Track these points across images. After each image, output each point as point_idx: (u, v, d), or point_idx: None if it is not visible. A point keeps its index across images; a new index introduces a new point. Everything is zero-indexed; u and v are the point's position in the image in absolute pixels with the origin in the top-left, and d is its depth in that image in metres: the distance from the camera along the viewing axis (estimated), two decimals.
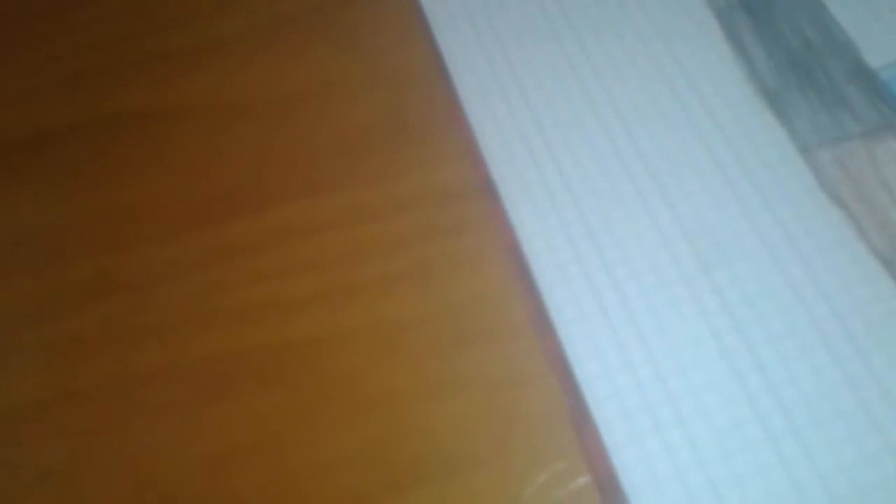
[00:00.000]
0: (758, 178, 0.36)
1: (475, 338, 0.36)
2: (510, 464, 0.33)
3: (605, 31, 0.41)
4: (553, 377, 0.34)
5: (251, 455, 0.36)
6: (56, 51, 0.50)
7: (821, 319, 0.32)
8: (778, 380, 0.31)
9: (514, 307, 0.37)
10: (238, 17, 0.49)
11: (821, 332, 0.32)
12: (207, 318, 0.39)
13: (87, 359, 0.39)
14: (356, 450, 0.35)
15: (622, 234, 0.36)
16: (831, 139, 0.36)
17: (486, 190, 0.39)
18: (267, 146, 0.44)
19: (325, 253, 0.40)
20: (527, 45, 0.42)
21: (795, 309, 0.33)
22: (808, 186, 0.35)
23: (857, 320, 0.32)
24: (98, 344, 0.39)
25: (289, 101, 0.45)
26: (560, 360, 0.34)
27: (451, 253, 0.39)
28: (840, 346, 0.32)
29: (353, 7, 0.47)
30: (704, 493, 0.30)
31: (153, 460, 0.36)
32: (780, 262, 0.34)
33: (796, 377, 0.31)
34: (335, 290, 0.39)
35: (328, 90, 0.45)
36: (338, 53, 0.46)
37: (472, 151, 0.40)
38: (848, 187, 0.35)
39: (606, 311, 0.34)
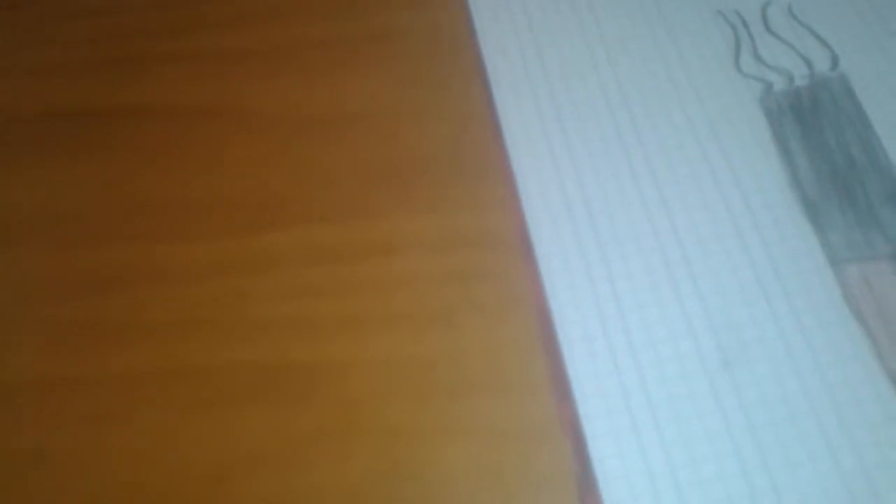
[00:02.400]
0: (788, 283, 0.37)
1: (492, 387, 0.37)
2: None
3: (656, 109, 0.43)
4: (564, 440, 0.35)
5: (252, 469, 0.36)
6: (100, 32, 0.51)
7: (830, 430, 0.34)
8: (784, 484, 0.32)
9: (535, 365, 0.37)
10: (297, 26, 0.50)
11: (828, 442, 0.33)
12: (226, 326, 0.39)
13: (95, 347, 0.39)
14: (357, 481, 0.35)
15: (652, 318, 0.37)
16: (861, 257, 0.37)
17: (523, 242, 0.40)
18: (311, 162, 0.44)
19: (354, 281, 0.40)
20: (579, 104, 0.43)
21: (807, 417, 0.34)
22: (834, 299, 0.36)
23: (865, 436, 0.33)
24: (107, 333, 0.39)
25: (340, 122, 0.46)
26: (573, 427, 0.35)
27: (479, 299, 0.39)
28: (845, 459, 0.33)
29: (417, 38, 0.48)
30: None
31: (153, 457, 0.36)
32: (797, 368, 0.35)
33: (800, 483, 0.32)
34: (359, 320, 0.39)
35: (381, 117, 0.46)
36: (396, 81, 0.47)
37: (513, 200, 0.41)
38: (870, 305, 0.36)
39: (627, 392, 0.35)
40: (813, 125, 0.41)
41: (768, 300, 0.37)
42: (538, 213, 0.40)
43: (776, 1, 0.46)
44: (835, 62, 0.43)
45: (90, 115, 0.47)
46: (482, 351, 0.38)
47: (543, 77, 0.45)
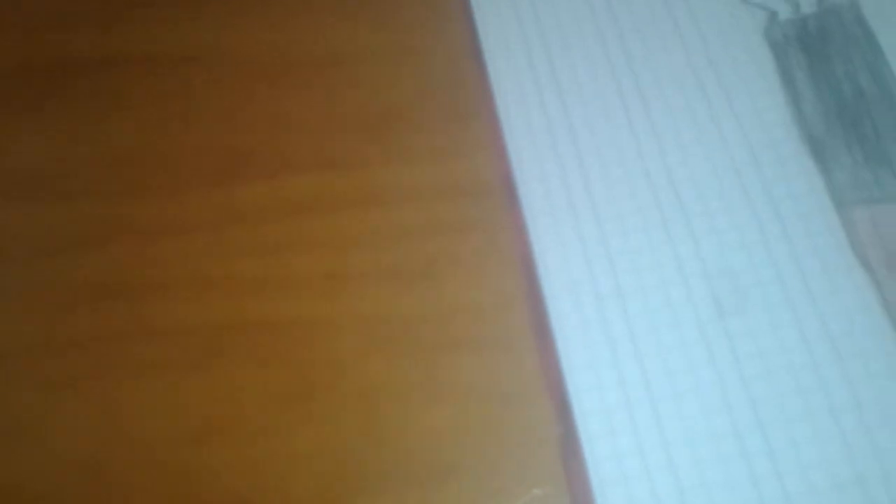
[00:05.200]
0: (789, 226, 0.34)
1: (474, 344, 0.35)
2: (490, 480, 0.33)
3: (655, 47, 0.40)
4: (547, 399, 0.33)
5: (228, 432, 0.35)
6: None
7: (832, 385, 0.31)
8: (779, 442, 0.30)
9: (517, 318, 0.36)
10: None
11: (829, 398, 0.31)
12: (203, 283, 0.38)
13: (73, 309, 0.38)
14: (335, 443, 0.34)
15: (642, 262, 0.34)
16: (869, 198, 0.35)
17: (506, 189, 0.38)
18: (287, 110, 0.42)
19: (332, 234, 0.39)
20: (571, 46, 0.40)
21: (806, 370, 0.32)
22: (839, 244, 0.34)
23: (868, 392, 0.31)
24: (85, 294, 0.38)
25: (317, 65, 0.43)
26: (557, 384, 0.33)
27: (460, 251, 0.37)
28: (845, 417, 0.31)
29: None
30: None
31: (128, 421, 0.35)
32: (798, 318, 0.33)
33: (797, 442, 0.31)
34: (336, 275, 0.38)
35: (359, 58, 0.43)
36: (376, 20, 0.44)
37: (498, 145, 0.39)
38: (878, 251, 0.34)
39: (614, 343, 0.33)
40: (820, 55, 0.38)
41: (767, 245, 0.34)
42: (524, 156, 0.38)
43: None
44: None
45: (65, 66, 0.45)
46: (463, 306, 0.36)
47: (531, 8, 0.42)
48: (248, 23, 0.45)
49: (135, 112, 0.43)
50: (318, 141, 0.41)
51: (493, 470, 0.33)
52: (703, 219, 0.35)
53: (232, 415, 0.35)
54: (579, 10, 0.41)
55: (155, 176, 0.41)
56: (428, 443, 0.34)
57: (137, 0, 0.47)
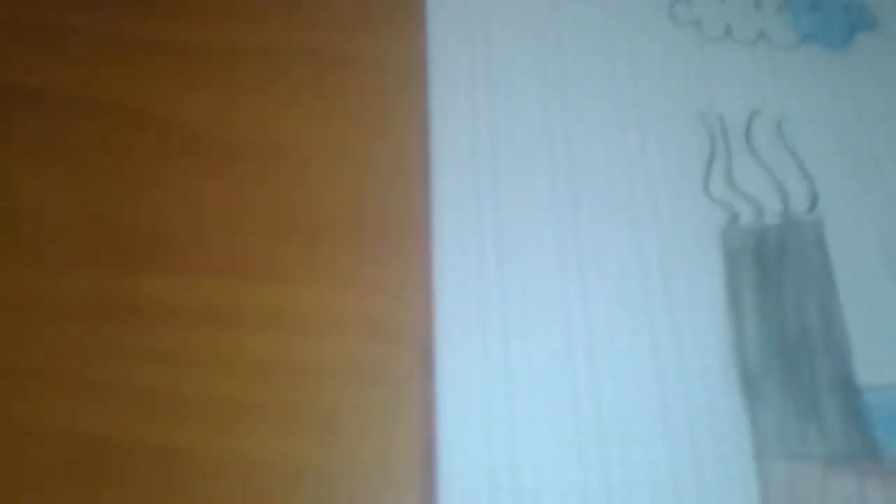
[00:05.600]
0: (704, 469, 0.33)
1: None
2: None
3: (606, 221, 0.38)
4: None
5: None
6: None
7: None
8: None
9: (410, 481, 0.33)
10: (232, 26, 0.44)
11: None
12: (70, 383, 0.35)
13: None
14: None
15: (544, 459, 0.33)
16: (791, 453, 0.33)
17: (425, 337, 0.36)
18: (212, 198, 0.39)
19: (235, 354, 0.36)
20: (522, 190, 0.38)
21: None
22: (749, 498, 0.32)
23: None
24: None
25: (258, 151, 0.41)
26: None
27: (366, 397, 0.35)
28: None
29: (364, 66, 0.43)
30: None
31: None
32: None
33: None
34: (227, 405, 0.35)
35: (304, 152, 0.40)
36: (329, 113, 0.41)
37: (425, 284, 0.36)
38: None
39: None
40: (773, 278, 0.36)
41: (675, 485, 0.33)
42: (449, 305, 0.36)
43: (767, 111, 0.40)
44: (814, 202, 0.38)
45: None
46: (356, 460, 0.34)
47: (490, 147, 0.39)
48: (188, 86, 0.42)
49: (41, 161, 0.40)
50: (242, 240, 0.38)
51: None
52: (618, 443, 0.33)
53: None
54: (539, 160, 0.39)
55: (45, 243, 0.38)
56: None
57: (71, 29, 0.43)
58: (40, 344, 0.36)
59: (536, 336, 0.35)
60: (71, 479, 0.34)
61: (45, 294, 0.37)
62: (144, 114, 0.41)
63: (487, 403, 0.34)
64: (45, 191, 0.39)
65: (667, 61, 0.41)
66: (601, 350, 0.35)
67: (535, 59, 0.41)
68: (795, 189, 0.38)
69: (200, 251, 0.38)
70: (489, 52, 0.42)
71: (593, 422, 0.34)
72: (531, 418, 0.34)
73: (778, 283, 0.36)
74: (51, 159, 0.40)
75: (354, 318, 0.37)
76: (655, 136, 0.40)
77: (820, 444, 0.33)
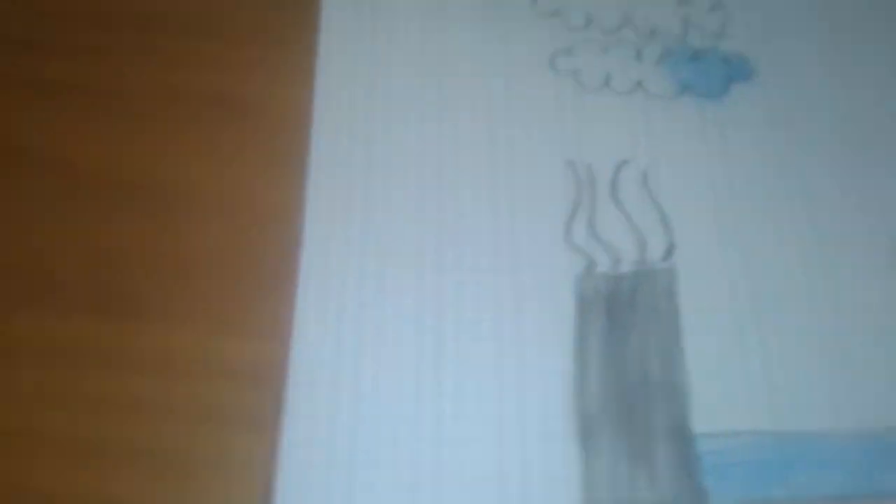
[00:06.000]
0: None
1: None
2: None
3: (466, 272, 0.39)
4: None
5: None
6: None
7: None
8: None
9: None
10: (134, 66, 0.45)
11: None
12: None
13: None
14: None
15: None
16: (618, 498, 0.34)
17: (280, 384, 0.37)
18: (91, 234, 0.40)
19: (90, 396, 0.37)
20: (390, 248, 0.39)
21: None
22: None
23: None
24: None
25: (141, 190, 0.42)
26: None
27: (216, 443, 0.36)
28: None
29: (255, 110, 0.44)
30: None
31: None
32: None
33: None
34: (87, 446, 0.36)
35: (186, 192, 0.42)
36: (217, 153, 0.43)
37: (285, 334, 0.38)
38: None
39: None
40: (620, 324, 0.37)
41: None
42: (305, 350, 0.37)
43: (635, 160, 0.41)
44: (669, 251, 0.39)
45: None
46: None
47: (363, 194, 0.41)
48: (83, 124, 0.43)
49: None
50: (115, 280, 0.40)
51: None
52: (452, 475, 0.34)
53: None
54: (408, 208, 0.40)
55: None
56: None
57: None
58: None
59: (387, 378, 0.36)
60: None
61: None
62: (35, 153, 0.43)
63: (330, 452, 0.35)
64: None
65: (543, 109, 0.43)
66: (448, 392, 0.36)
67: (416, 104, 0.43)
68: (654, 238, 0.39)
69: (75, 290, 0.39)
70: (373, 100, 0.43)
71: (430, 465, 0.35)
72: (372, 462, 0.34)
73: (625, 330, 0.37)
74: None
75: (216, 360, 0.38)
76: (524, 182, 0.41)
77: (648, 490, 0.34)
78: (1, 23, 0.46)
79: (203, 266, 0.40)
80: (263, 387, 0.37)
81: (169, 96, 0.44)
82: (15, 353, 0.38)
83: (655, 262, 0.39)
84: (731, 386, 0.36)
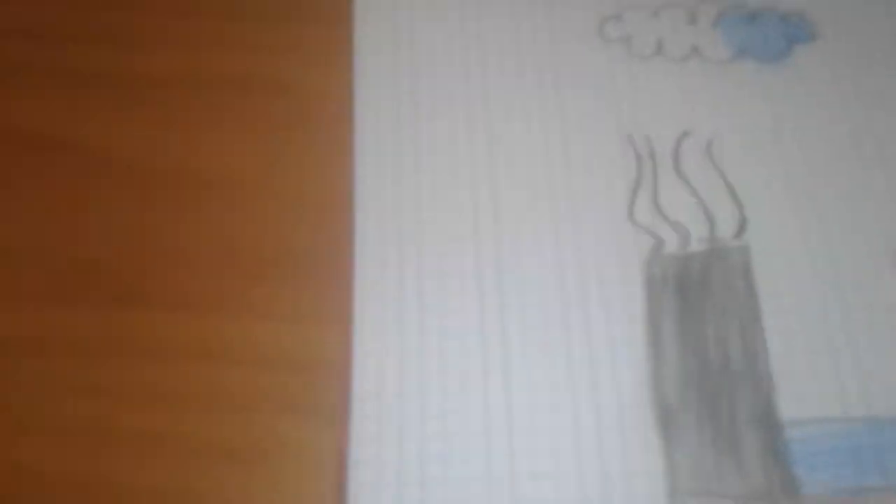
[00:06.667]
0: None
1: None
2: None
3: (526, 256, 0.37)
4: None
5: None
6: None
7: None
8: None
9: None
10: (164, 54, 0.43)
11: None
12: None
13: None
14: None
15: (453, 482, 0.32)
16: (705, 490, 0.32)
17: (342, 382, 0.35)
18: (145, 228, 0.38)
19: (150, 386, 0.35)
20: (444, 227, 0.37)
21: None
22: None
23: None
24: None
25: (188, 182, 0.40)
26: None
27: (278, 436, 0.34)
28: None
29: (295, 96, 0.42)
30: None
31: None
32: None
33: None
34: (145, 437, 0.35)
35: (237, 183, 0.40)
36: (260, 142, 0.41)
37: (346, 315, 0.36)
38: None
39: None
40: (695, 306, 0.35)
41: None
42: (368, 335, 0.35)
43: (696, 131, 0.39)
44: (742, 227, 0.37)
45: None
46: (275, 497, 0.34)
47: (414, 180, 0.38)
48: (120, 116, 0.41)
49: None
50: (161, 270, 0.38)
51: None
52: (525, 468, 0.32)
53: None
54: (460, 192, 0.38)
55: None
56: None
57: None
58: None
59: (452, 363, 0.34)
60: None
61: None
62: (77, 144, 0.41)
63: (399, 446, 0.33)
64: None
65: (595, 80, 0.40)
66: (516, 381, 0.34)
67: (460, 83, 0.41)
68: (723, 214, 0.37)
69: (121, 280, 0.37)
70: (415, 79, 0.41)
71: (504, 456, 0.33)
72: (443, 441, 0.33)
73: (700, 313, 0.35)
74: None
75: (274, 349, 0.36)
76: (581, 159, 0.39)
77: (736, 481, 0.32)
78: (29, 13, 0.44)
79: (257, 253, 0.38)
80: (329, 376, 0.35)
81: (202, 81, 0.42)
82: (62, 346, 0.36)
83: (727, 238, 0.37)
84: (817, 369, 0.34)
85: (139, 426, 0.35)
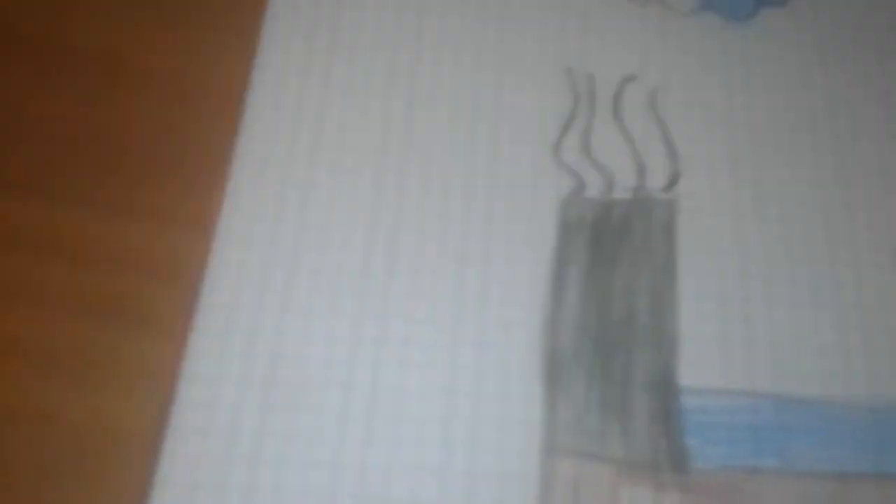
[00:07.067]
0: (479, 460, 0.28)
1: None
2: None
3: (433, 167, 0.33)
4: None
5: None
6: None
7: None
8: None
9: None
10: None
11: None
12: None
13: None
14: None
15: (300, 428, 0.28)
16: (584, 451, 0.29)
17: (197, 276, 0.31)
18: (34, 106, 0.35)
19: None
20: (343, 140, 0.34)
21: None
22: (528, 495, 0.28)
23: None
24: None
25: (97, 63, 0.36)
26: None
27: (119, 343, 0.31)
28: None
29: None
30: None
31: None
32: None
33: None
34: None
35: (141, 67, 0.36)
36: (170, 33, 0.37)
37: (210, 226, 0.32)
38: None
39: None
40: (608, 255, 0.32)
41: (442, 474, 0.28)
42: (228, 248, 0.32)
43: (644, 77, 0.36)
44: (673, 181, 0.34)
45: None
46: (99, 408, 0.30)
47: (320, 82, 0.35)
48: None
49: None
50: (43, 159, 0.34)
51: None
52: (388, 408, 0.29)
53: None
54: (373, 91, 0.35)
55: None
56: None
57: None
58: None
59: (322, 295, 0.31)
60: None
61: None
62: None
63: (243, 372, 0.29)
64: None
65: (543, 12, 0.37)
66: (392, 310, 0.31)
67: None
68: (656, 165, 0.34)
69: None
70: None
71: (364, 397, 0.29)
72: (291, 386, 0.29)
73: (611, 263, 0.32)
74: None
75: (132, 251, 0.33)
76: (513, 86, 0.35)
77: (620, 445, 0.29)
78: None
79: (133, 153, 0.34)
80: (177, 285, 0.31)
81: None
82: None
83: (655, 191, 0.33)
84: (728, 338, 0.31)
85: None
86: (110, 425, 0.29)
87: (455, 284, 0.31)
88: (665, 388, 0.30)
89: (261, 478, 0.28)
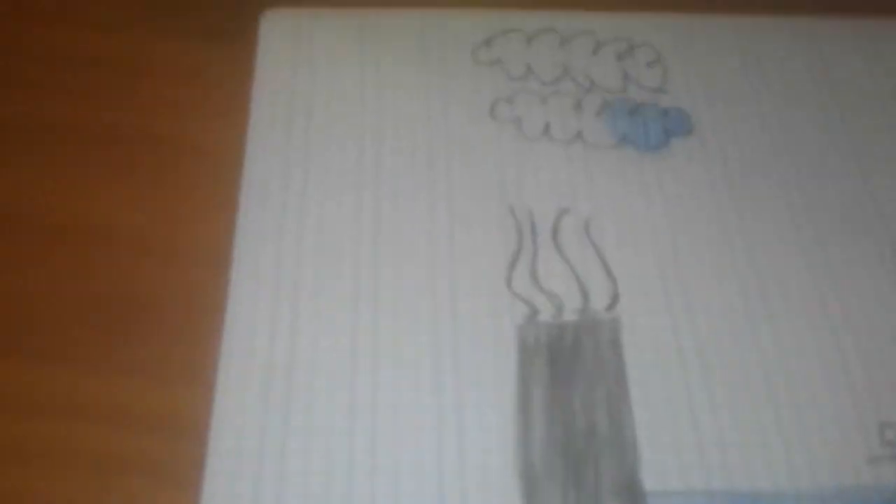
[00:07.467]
0: None
1: None
2: None
3: (406, 311, 0.37)
4: None
5: None
6: None
7: None
8: None
9: None
10: (51, 100, 0.42)
11: None
12: None
13: None
14: None
15: None
16: None
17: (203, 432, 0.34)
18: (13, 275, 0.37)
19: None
20: (321, 286, 0.37)
21: None
22: None
23: None
24: None
25: (71, 233, 0.39)
26: None
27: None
28: None
29: (185, 148, 0.42)
30: None
31: None
32: None
33: None
34: None
35: (122, 235, 0.39)
36: (143, 197, 0.40)
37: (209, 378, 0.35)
38: None
39: None
40: (565, 375, 0.36)
41: None
42: (229, 404, 0.34)
43: (576, 209, 0.40)
44: (613, 301, 0.38)
45: None
46: None
47: (296, 235, 0.38)
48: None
49: None
50: (35, 323, 0.36)
51: None
52: None
53: None
54: (343, 243, 0.38)
55: None
56: None
57: None
58: None
59: (318, 443, 0.33)
60: None
61: None
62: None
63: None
64: None
65: (484, 156, 0.42)
66: (383, 441, 0.33)
67: (353, 152, 0.41)
68: (597, 288, 0.38)
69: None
70: (307, 152, 0.41)
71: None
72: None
73: (569, 381, 0.35)
74: None
75: (136, 409, 0.35)
76: (464, 228, 0.39)
77: None
78: None
79: (130, 311, 0.37)
80: (183, 438, 0.34)
81: (94, 132, 0.41)
82: None
83: (599, 311, 0.37)
84: (681, 441, 0.34)
85: None
86: None
87: (435, 413, 0.34)
88: (632, 494, 0.33)
89: None
